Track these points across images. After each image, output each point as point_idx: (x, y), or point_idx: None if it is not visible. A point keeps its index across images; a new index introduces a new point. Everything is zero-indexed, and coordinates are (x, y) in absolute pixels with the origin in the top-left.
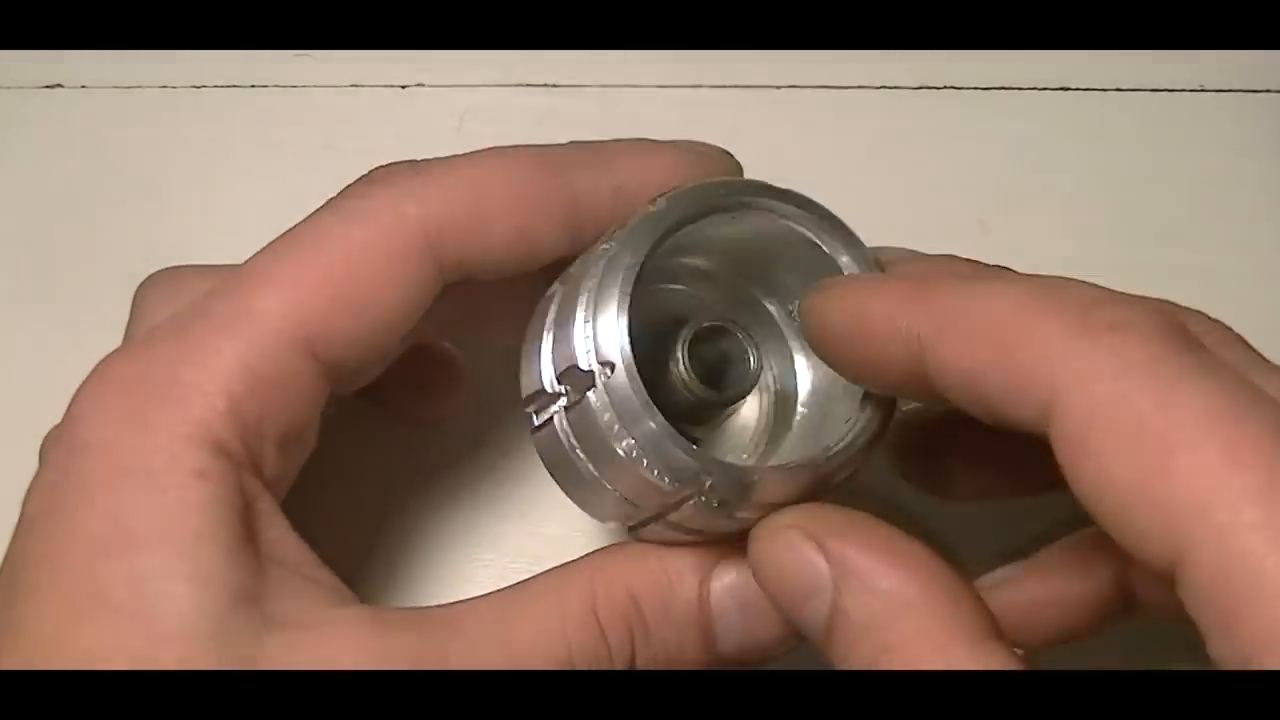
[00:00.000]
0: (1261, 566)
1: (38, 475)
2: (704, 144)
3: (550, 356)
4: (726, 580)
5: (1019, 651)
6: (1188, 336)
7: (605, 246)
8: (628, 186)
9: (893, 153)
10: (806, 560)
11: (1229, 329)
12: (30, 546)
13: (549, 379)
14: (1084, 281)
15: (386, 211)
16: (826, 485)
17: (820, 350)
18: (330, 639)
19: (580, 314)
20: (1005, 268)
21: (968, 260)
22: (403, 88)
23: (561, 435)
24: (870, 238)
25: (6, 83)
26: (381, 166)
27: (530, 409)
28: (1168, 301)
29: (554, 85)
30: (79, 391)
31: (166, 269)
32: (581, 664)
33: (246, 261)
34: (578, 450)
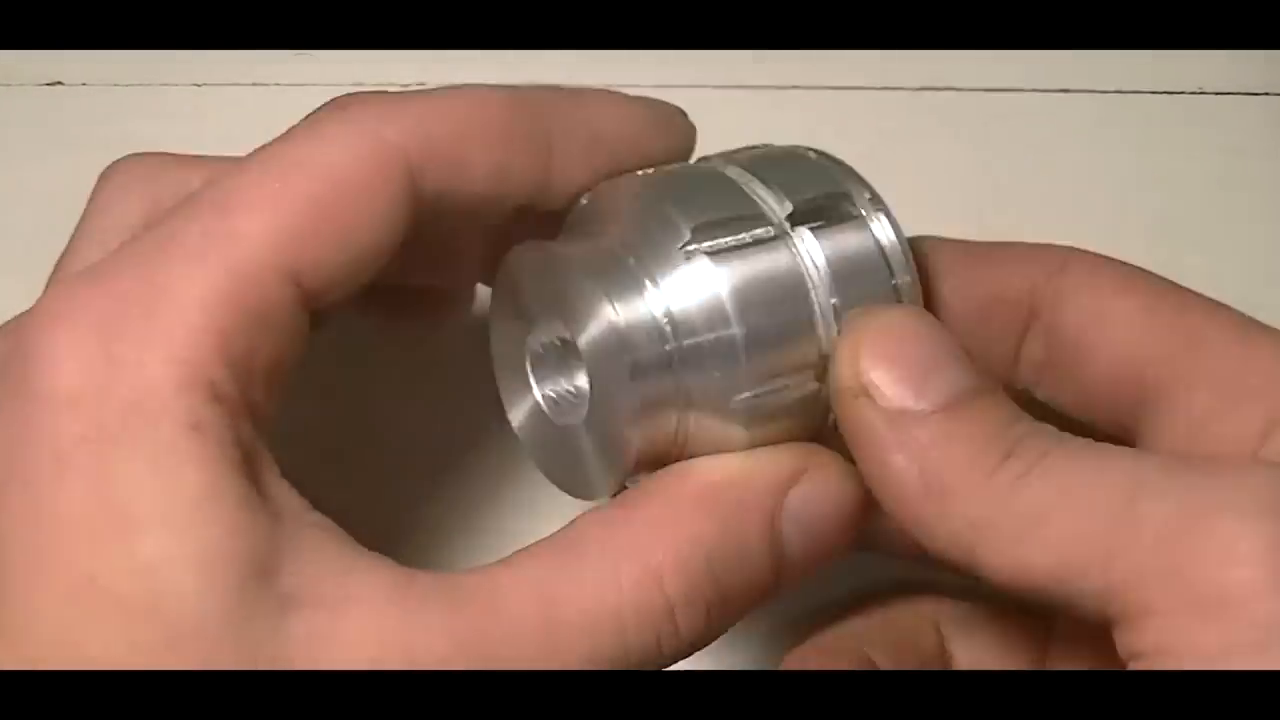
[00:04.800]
0: None
1: None
2: (662, 102)
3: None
4: (793, 510)
5: None
6: None
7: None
8: (604, 137)
9: (893, 153)
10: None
11: None
12: (4, 528)
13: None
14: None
15: (366, 135)
16: None
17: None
18: (354, 622)
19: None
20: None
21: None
22: (403, 88)
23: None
24: None
25: (6, 81)
26: (349, 94)
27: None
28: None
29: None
30: (29, 325)
31: (134, 155)
32: (638, 654)
33: (213, 183)
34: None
